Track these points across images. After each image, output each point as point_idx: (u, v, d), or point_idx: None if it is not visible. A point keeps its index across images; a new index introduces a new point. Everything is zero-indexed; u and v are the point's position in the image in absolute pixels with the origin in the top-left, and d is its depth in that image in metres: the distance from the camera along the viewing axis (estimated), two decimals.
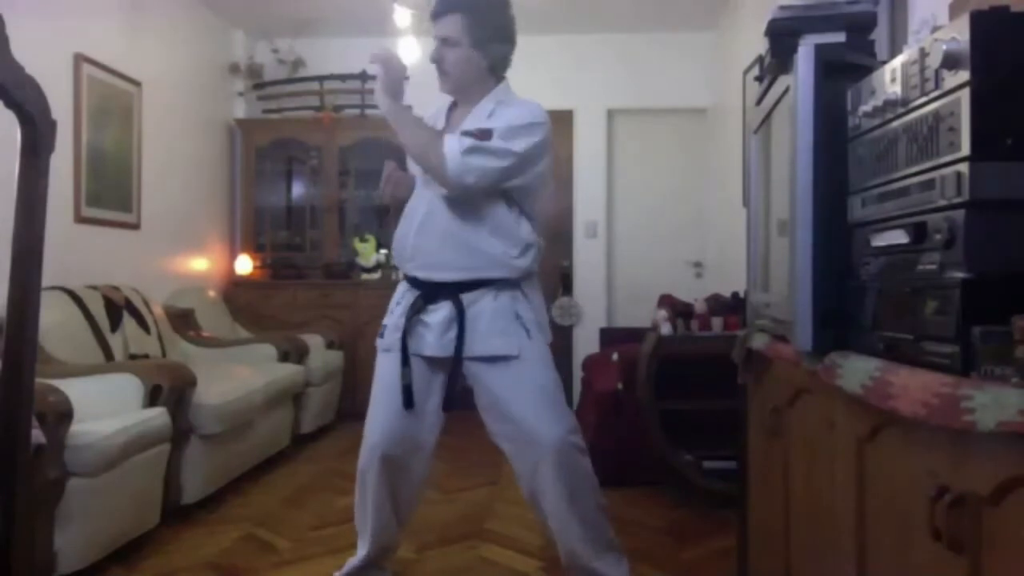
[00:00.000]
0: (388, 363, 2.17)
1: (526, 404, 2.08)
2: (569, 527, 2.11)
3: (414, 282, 2.15)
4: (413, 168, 2.18)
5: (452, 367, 2.11)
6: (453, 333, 2.07)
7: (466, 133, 2.02)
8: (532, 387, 2.09)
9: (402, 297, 2.18)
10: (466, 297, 2.07)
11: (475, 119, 2.09)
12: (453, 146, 1.98)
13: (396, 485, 2.20)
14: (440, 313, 2.09)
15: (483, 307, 2.08)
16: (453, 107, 2.22)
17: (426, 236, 2.09)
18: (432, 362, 2.15)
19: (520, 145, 2.02)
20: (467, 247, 2.07)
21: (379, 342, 2.20)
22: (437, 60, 2.11)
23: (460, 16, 2.05)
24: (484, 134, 2.01)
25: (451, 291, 2.07)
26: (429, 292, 2.11)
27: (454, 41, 2.07)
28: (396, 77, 2.06)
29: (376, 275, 5.35)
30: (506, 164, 2.01)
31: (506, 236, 2.08)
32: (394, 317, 2.16)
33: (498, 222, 2.07)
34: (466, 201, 2.06)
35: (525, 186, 2.08)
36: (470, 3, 2.07)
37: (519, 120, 2.06)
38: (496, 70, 2.17)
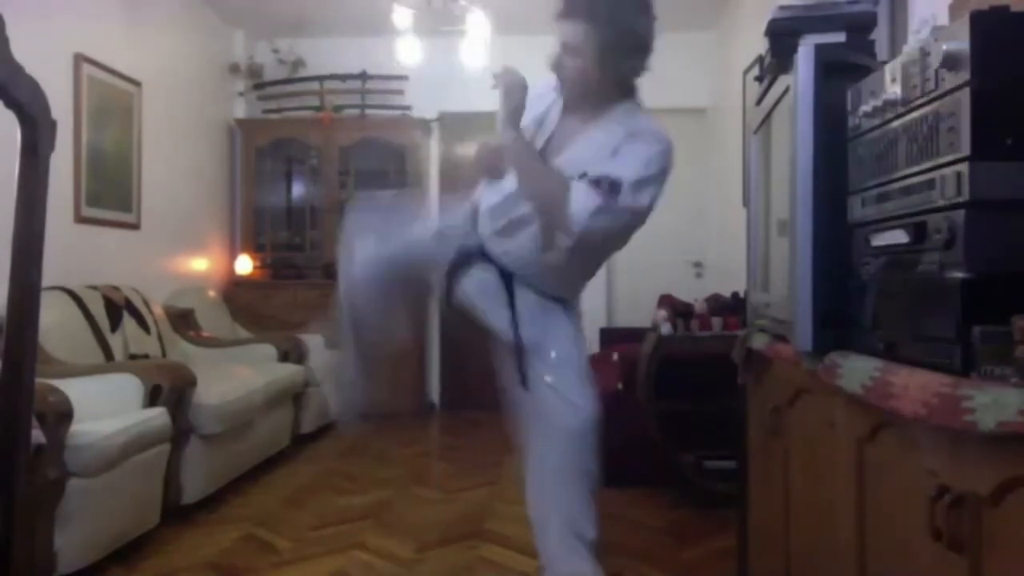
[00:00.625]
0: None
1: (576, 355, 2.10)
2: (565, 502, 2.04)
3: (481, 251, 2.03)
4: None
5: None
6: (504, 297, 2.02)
7: (593, 181, 1.80)
8: (579, 349, 2.14)
9: (470, 233, 2.05)
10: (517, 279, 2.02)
11: (596, 145, 1.88)
12: (581, 203, 1.79)
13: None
14: (492, 274, 2.02)
15: (530, 295, 2.04)
16: (567, 108, 1.98)
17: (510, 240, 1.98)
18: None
19: (647, 198, 1.86)
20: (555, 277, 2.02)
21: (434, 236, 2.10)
22: (556, 68, 1.87)
23: (583, 23, 1.81)
24: (614, 187, 1.80)
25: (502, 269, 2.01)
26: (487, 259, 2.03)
27: (575, 50, 1.83)
28: (518, 103, 1.87)
29: None
30: (632, 223, 1.92)
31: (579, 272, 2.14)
32: (457, 234, 2.05)
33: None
34: None
35: None
36: (597, 9, 1.83)
37: (651, 168, 1.86)
38: (624, 84, 1.96)
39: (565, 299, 2.12)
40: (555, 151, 1.93)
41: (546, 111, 1.99)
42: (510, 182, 1.93)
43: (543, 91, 1.99)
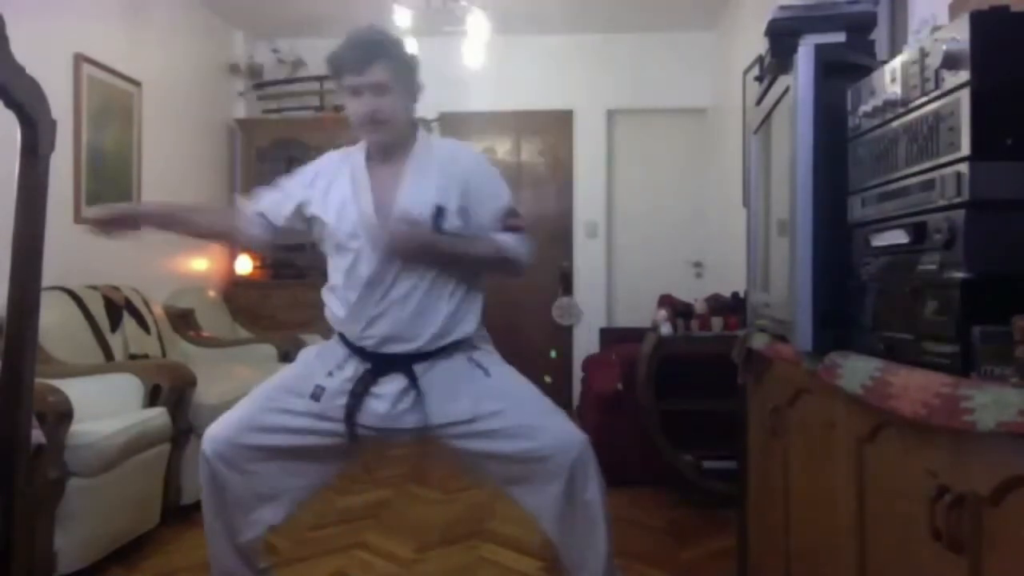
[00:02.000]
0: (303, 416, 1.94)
1: (535, 415, 1.95)
2: (601, 531, 1.96)
3: (360, 352, 1.94)
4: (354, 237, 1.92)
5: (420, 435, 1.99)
6: (406, 405, 1.91)
7: (507, 220, 1.95)
8: (528, 399, 1.98)
9: (344, 363, 1.95)
10: (418, 367, 1.92)
11: (426, 181, 1.92)
12: (514, 243, 1.95)
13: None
14: (393, 384, 1.92)
15: (436, 373, 1.93)
16: (378, 158, 1.98)
17: (395, 311, 1.90)
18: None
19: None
20: (439, 320, 1.92)
21: (308, 404, 1.93)
22: (371, 111, 1.88)
23: (387, 62, 1.90)
24: (515, 215, 1.98)
25: (404, 361, 1.92)
26: (380, 365, 1.93)
27: (384, 89, 1.89)
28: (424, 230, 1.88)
29: None
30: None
31: (473, 301, 2.00)
32: (336, 381, 1.93)
33: (468, 288, 1.98)
34: (450, 274, 1.94)
35: None
36: (394, 50, 1.94)
37: (501, 184, 2.01)
38: (414, 120, 2.02)
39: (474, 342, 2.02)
40: (387, 203, 1.91)
41: (360, 179, 1.96)
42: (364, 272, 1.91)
43: (333, 169, 2.00)
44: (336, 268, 1.97)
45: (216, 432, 1.94)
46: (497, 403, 1.92)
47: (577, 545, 1.96)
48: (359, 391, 1.91)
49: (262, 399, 1.97)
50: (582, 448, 1.92)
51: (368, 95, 1.89)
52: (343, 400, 1.91)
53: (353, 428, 1.92)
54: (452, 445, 1.97)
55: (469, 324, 1.97)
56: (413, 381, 1.91)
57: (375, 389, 1.92)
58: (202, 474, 1.94)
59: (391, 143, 1.96)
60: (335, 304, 1.98)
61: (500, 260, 1.96)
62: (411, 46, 2.06)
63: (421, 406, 1.91)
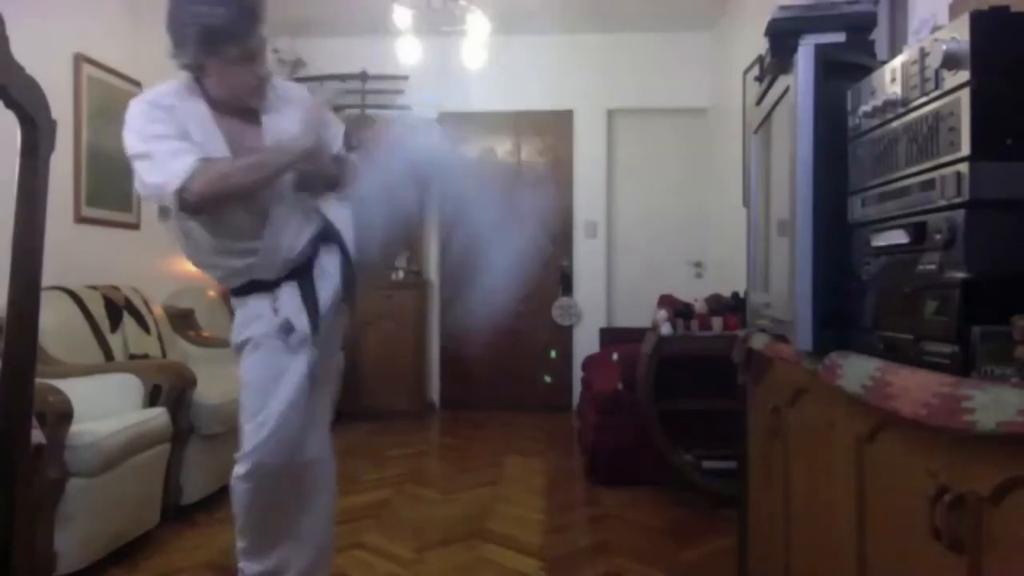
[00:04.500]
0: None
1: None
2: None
3: (274, 283, 1.95)
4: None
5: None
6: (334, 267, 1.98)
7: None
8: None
9: (275, 302, 1.95)
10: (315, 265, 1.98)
11: (282, 122, 1.94)
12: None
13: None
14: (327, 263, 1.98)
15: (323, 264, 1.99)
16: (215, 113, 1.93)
17: (282, 229, 1.92)
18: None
19: None
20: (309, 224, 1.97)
21: (293, 340, 1.93)
22: (263, 79, 1.90)
23: (262, 26, 1.90)
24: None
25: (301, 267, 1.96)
26: (294, 273, 1.96)
27: (262, 52, 1.91)
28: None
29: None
30: None
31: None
32: (286, 310, 1.93)
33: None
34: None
35: None
36: (262, 6, 1.91)
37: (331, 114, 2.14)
38: None
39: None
40: (253, 139, 1.90)
41: (192, 124, 1.89)
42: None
43: (173, 105, 1.93)
44: (217, 226, 1.87)
45: (253, 457, 1.94)
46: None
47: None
48: (307, 296, 1.94)
49: (261, 394, 1.95)
50: None
51: (258, 62, 1.85)
52: (305, 314, 1.92)
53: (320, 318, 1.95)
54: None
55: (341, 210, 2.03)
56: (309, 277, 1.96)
57: (316, 282, 1.96)
58: (245, 499, 1.98)
59: (259, 105, 1.92)
60: (236, 260, 1.93)
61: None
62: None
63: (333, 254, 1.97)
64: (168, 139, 1.78)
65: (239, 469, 1.93)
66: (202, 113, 1.88)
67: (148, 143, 1.79)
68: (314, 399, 1.99)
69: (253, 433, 1.92)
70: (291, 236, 1.93)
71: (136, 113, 1.85)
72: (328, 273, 1.99)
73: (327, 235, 2.00)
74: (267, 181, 1.84)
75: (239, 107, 1.91)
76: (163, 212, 1.90)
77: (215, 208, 1.80)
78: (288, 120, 1.91)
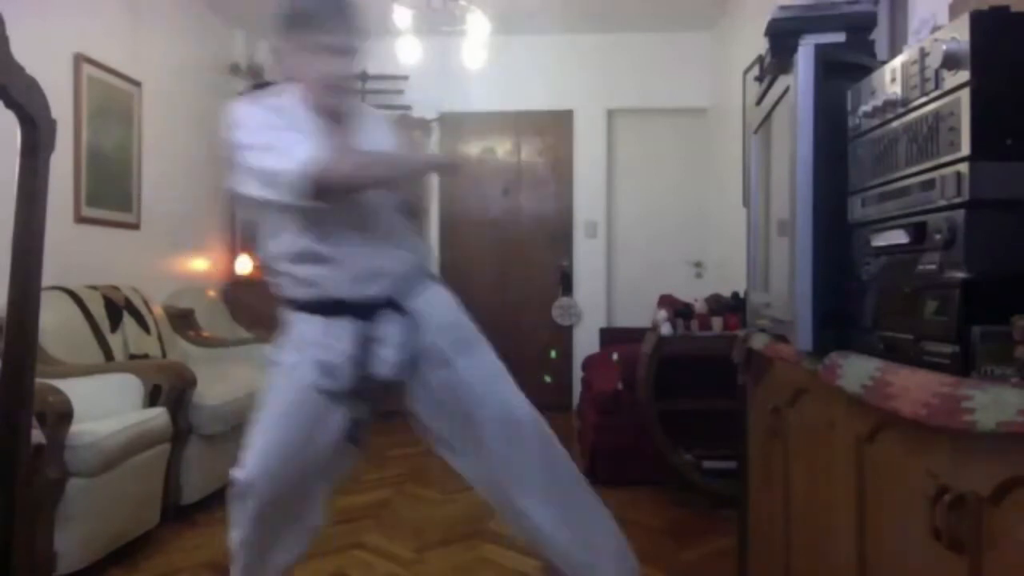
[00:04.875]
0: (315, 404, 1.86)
1: (499, 386, 1.93)
2: (569, 516, 1.93)
3: (338, 308, 1.86)
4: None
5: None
6: (412, 335, 1.86)
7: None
8: (497, 368, 1.96)
9: (328, 331, 1.85)
10: (402, 299, 1.89)
11: (370, 138, 1.94)
12: None
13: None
14: (391, 325, 1.86)
15: (419, 299, 1.90)
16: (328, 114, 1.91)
17: (376, 243, 1.87)
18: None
19: None
20: (408, 245, 1.93)
21: (329, 386, 1.84)
22: (345, 74, 1.86)
23: (359, 25, 1.86)
24: None
25: (385, 302, 1.87)
26: (366, 312, 1.86)
27: (353, 50, 1.86)
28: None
29: None
30: None
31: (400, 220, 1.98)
32: (336, 351, 1.84)
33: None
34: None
35: None
36: (361, 14, 1.89)
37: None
38: None
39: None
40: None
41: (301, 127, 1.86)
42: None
43: (280, 105, 1.88)
44: (288, 229, 1.83)
45: (251, 476, 1.84)
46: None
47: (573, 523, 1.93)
48: (364, 344, 1.84)
49: (283, 425, 1.86)
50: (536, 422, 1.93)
51: (339, 56, 1.81)
52: (354, 364, 1.83)
53: (374, 384, 1.85)
54: (448, 374, 1.90)
55: (428, 253, 2.01)
56: (402, 312, 1.86)
57: (377, 334, 1.85)
58: (242, 516, 1.87)
59: (343, 107, 1.91)
60: (307, 269, 1.85)
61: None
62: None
63: (419, 332, 1.87)
64: (288, 130, 1.77)
65: (233, 480, 1.89)
66: (303, 115, 1.85)
67: (266, 134, 1.76)
68: (476, 365, 1.93)
69: (249, 455, 1.87)
70: (373, 257, 1.87)
71: (247, 111, 1.84)
72: (392, 335, 1.87)
73: (408, 288, 1.90)
74: (399, 178, 1.91)
75: (326, 111, 1.88)
76: (251, 206, 1.83)
77: (339, 194, 1.77)
78: (374, 138, 1.92)
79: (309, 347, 1.86)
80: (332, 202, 1.74)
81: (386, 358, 1.85)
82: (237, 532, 1.90)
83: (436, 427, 1.96)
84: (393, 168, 1.90)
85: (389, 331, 1.85)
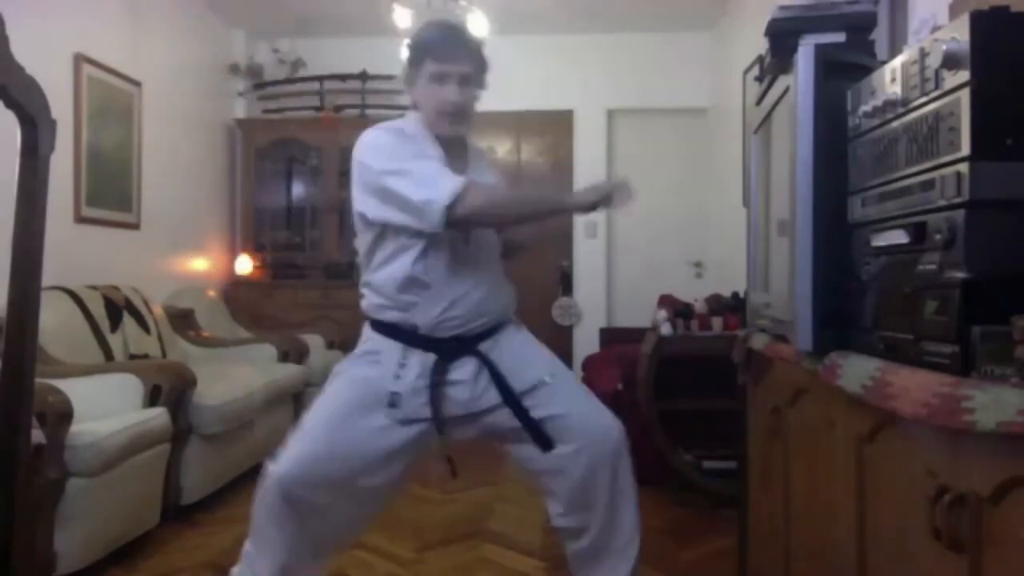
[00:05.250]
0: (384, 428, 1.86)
1: (584, 405, 1.99)
2: (628, 518, 1.97)
3: (420, 340, 1.86)
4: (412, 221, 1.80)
5: (516, 414, 1.89)
6: (485, 381, 1.87)
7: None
8: (578, 389, 2.04)
9: (406, 360, 1.86)
10: (484, 345, 1.89)
11: (482, 174, 1.95)
12: None
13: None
14: (467, 367, 1.87)
15: (501, 345, 1.92)
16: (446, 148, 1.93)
17: (476, 289, 1.87)
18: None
19: None
20: (505, 294, 1.96)
21: (389, 414, 1.84)
22: (462, 101, 1.85)
23: (477, 55, 1.88)
24: None
25: (469, 342, 1.88)
26: (448, 351, 1.86)
27: (471, 80, 1.87)
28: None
29: None
30: None
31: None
32: (407, 381, 1.84)
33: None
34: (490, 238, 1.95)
35: None
36: (481, 46, 1.91)
37: None
38: None
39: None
40: None
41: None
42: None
43: (408, 132, 1.91)
44: (402, 255, 1.84)
45: (287, 471, 1.83)
46: (556, 364, 2.00)
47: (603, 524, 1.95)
48: (436, 382, 1.84)
49: (332, 428, 1.85)
50: (623, 439, 1.99)
51: (455, 85, 1.84)
52: (424, 397, 1.83)
53: (442, 422, 1.86)
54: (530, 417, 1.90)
55: (513, 295, 2.02)
56: (482, 359, 1.87)
57: (450, 376, 1.86)
58: (270, 512, 1.86)
59: (461, 136, 1.93)
60: (401, 294, 1.85)
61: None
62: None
63: (496, 381, 1.87)
64: (427, 159, 1.81)
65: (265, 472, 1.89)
66: (428, 143, 1.88)
67: (404, 162, 1.79)
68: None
69: (287, 454, 1.87)
70: (472, 294, 1.86)
71: (380, 137, 1.87)
72: (464, 377, 1.87)
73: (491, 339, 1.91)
74: (538, 216, 2.00)
75: (444, 140, 1.89)
76: (375, 229, 1.86)
77: (476, 226, 1.85)
78: (479, 172, 1.94)
79: (380, 368, 1.87)
80: (463, 232, 1.84)
81: (457, 398, 1.87)
82: (255, 531, 1.89)
83: (522, 457, 1.98)
84: (534, 206, 1.96)
85: (462, 373, 1.87)
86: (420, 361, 1.85)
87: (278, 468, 1.84)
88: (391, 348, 1.87)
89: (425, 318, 1.85)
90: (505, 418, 1.89)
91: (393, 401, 1.84)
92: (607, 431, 1.94)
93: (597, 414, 1.97)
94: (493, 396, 1.88)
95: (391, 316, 1.88)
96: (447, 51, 1.84)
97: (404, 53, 1.91)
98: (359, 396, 1.86)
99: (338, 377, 1.92)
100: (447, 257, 1.84)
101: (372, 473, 1.86)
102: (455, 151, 1.91)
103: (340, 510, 1.90)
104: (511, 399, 1.87)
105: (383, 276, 1.88)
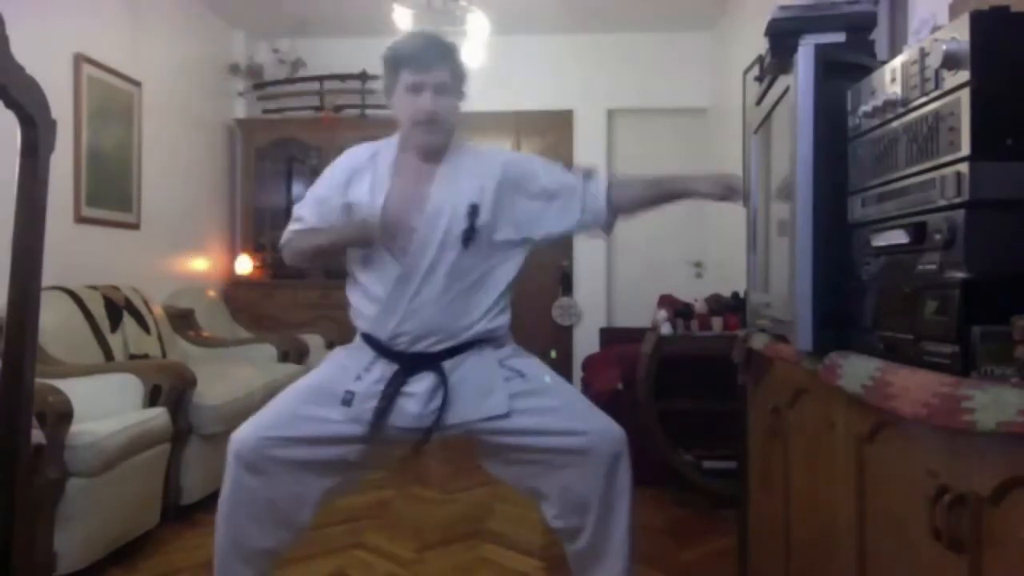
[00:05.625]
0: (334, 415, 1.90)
1: (576, 412, 1.96)
2: (623, 519, 1.97)
3: (385, 350, 1.91)
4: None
5: (423, 437, 1.92)
6: (437, 403, 1.87)
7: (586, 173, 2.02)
8: (566, 397, 1.99)
9: (372, 365, 1.91)
10: (448, 364, 1.89)
11: (457, 176, 1.92)
12: (594, 187, 2.02)
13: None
14: (424, 383, 1.88)
15: (467, 369, 1.90)
16: (400, 160, 1.96)
17: (430, 307, 1.87)
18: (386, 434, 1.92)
19: None
20: (475, 315, 1.90)
21: (340, 411, 1.88)
22: (433, 110, 1.87)
23: (451, 64, 1.90)
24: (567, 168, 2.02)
25: (434, 359, 1.89)
26: (410, 364, 1.89)
27: (447, 89, 1.90)
28: None
29: None
30: None
31: (508, 295, 1.97)
32: (365, 384, 1.88)
33: (495, 270, 1.95)
34: (474, 249, 1.89)
35: None
36: (456, 54, 1.94)
37: (532, 158, 2.11)
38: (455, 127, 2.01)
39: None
40: (417, 201, 1.89)
41: (382, 180, 1.94)
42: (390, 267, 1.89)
43: (365, 165, 1.97)
44: (364, 265, 1.93)
45: (243, 435, 1.88)
46: (533, 400, 1.91)
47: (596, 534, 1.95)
48: (390, 392, 1.87)
49: (292, 405, 1.91)
50: (622, 443, 1.95)
51: (429, 94, 1.87)
52: (373, 403, 1.87)
53: (380, 431, 1.88)
54: (490, 441, 1.93)
55: (503, 319, 1.96)
56: (443, 379, 1.88)
57: (406, 389, 1.88)
58: (226, 476, 1.90)
59: (439, 146, 1.94)
60: (363, 303, 1.94)
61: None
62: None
63: (452, 404, 1.88)
64: (325, 202, 1.97)
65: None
66: (388, 162, 1.96)
67: (315, 192, 2.01)
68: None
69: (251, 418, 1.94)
70: (420, 314, 1.87)
71: (339, 160, 2.03)
72: (420, 393, 1.88)
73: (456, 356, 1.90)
74: (320, 251, 2.00)
75: (421, 149, 1.94)
76: None
77: (301, 265, 2.09)
78: (462, 174, 1.93)
79: (350, 366, 1.93)
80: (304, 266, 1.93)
81: (406, 410, 1.88)
82: (221, 502, 1.92)
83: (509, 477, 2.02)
84: (312, 238, 1.97)
85: (417, 387, 1.88)
86: (382, 369, 1.90)
87: (238, 432, 1.90)
88: (364, 352, 1.94)
89: (382, 331, 1.90)
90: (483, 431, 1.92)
91: (347, 399, 1.89)
92: (606, 439, 1.95)
93: (595, 421, 1.98)
94: (447, 416, 1.89)
95: (361, 324, 1.96)
96: (422, 61, 1.87)
97: (382, 66, 1.93)
98: (326, 383, 1.93)
99: (322, 363, 2.03)
100: (394, 272, 1.88)
101: (321, 454, 1.90)
102: (431, 160, 1.94)
103: (287, 488, 1.90)
104: (433, 425, 1.88)
105: (350, 284, 1.99)
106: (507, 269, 1.95)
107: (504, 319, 1.97)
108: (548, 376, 2.00)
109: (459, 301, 1.89)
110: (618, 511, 1.94)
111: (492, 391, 1.90)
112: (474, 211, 1.88)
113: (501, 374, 1.92)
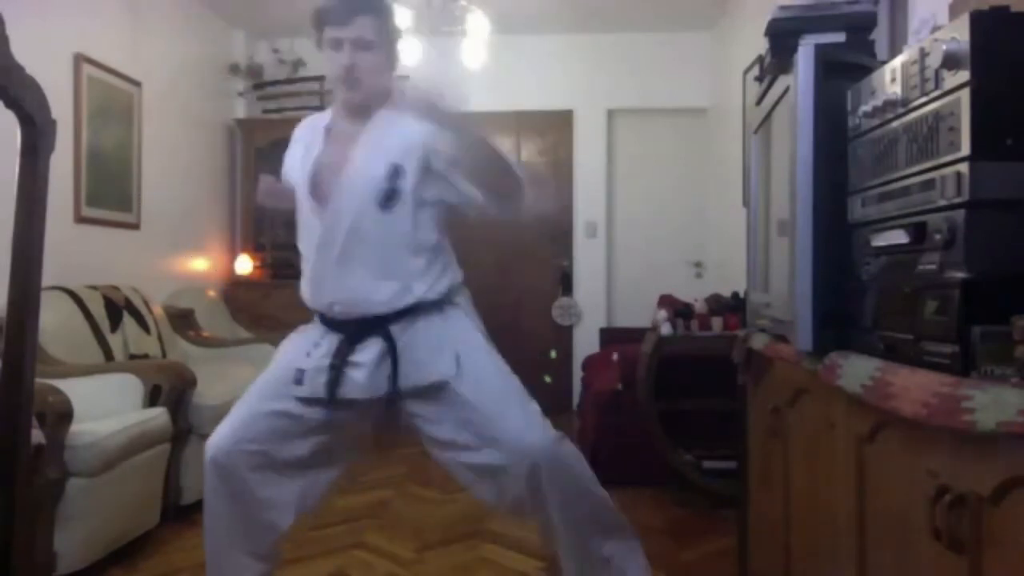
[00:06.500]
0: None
1: (498, 413, 1.83)
2: (572, 531, 1.87)
3: (331, 323, 1.88)
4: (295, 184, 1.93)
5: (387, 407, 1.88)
6: (387, 370, 1.83)
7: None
8: (494, 394, 1.87)
9: (321, 340, 1.88)
10: (395, 328, 1.84)
11: (383, 137, 1.85)
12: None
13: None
14: (371, 351, 1.83)
15: (415, 333, 1.85)
16: (346, 116, 1.92)
17: (353, 271, 1.82)
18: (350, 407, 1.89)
19: None
20: (404, 277, 1.84)
21: (295, 390, 1.86)
22: (350, 66, 1.80)
23: (373, 18, 1.82)
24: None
25: (378, 324, 1.84)
26: (354, 332, 1.85)
27: (368, 44, 1.81)
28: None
29: None
30: None
31: (441, 256, 1.92)
32: (314, 360, 1.85)
33: (421, 231, 1.87)
34: (397, 211, 1.82)
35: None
36: (381, 7, 1.86)
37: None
38: (389, 88, 1.91)
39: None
40: (340, 163, 1.85)
41: (316, 142, 1.93)
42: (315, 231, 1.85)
43: (310, 136, 1.97)
44: (300, 235, 1.93)
45: (215, 442, 1.86)
46: (455, 410, 1.85)
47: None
48: (337, 364, 1.83)
49: (253, 404, 1.90)
50: (537, 455, 1.79)
51: (349, 49, 1.81)
52: (325, 377, 1.83)
53: (340, 408, 1.85)
54: (426, 414, 1.87)
55: (444, 283, 1.90)
56: (390, 344, 1.83)
57: (353, 358, 1.83)
58: (206, 483, 1.88)
59: (363, 104, 1.87)
60: (304, 275, 1.91)
61: (503, 168, 1.83)
62: (397, 13, 2.00)
63: (400, 369, 1.83)
64: (290, 152, 2.02)
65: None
66: (325, 122, 1.96)
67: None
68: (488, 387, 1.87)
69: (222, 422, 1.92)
70: (343, 281, 1.83)
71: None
72: (367, 361, 1.83)
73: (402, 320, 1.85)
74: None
75: (343, 107, 1.92)
76: None
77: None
78: (389, 134, 1.86)
79: (300, 344, 1.92)
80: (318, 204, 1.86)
81: (355, 380, 1.83)
82: (206, 513, 1.89)
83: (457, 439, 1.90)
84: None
85: (365, 356, 1.83)
86: (329, 342, 1.87)
87: (210, 438, 1.88)
88: (315, 327, 1.92)
89: (318, 301, 1.89)
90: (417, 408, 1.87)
91: (297, 377, 1.86)
92: (526, 449, 1.80)
93: (518, 428, 1.83)
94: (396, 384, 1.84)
95: (304, 297, 1.93)
96: (339, 16, 1.81)
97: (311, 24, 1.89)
98: (280, 370, 1.92)
99: (279, 347, 2.02)
100: (317, 234, 1.85)
101: (290, 446, 1.88)
102: (359, 121, 1.89)
103: (267, 489, 1.88)
104: (389, 396, 1.84)
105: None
106: (430, 230, 1.88)
107: (445, 283, 1.91)
108: (477, 375, 1.87)
109: (389, 265, 1.83)
110: (563, 527, 1.85)
111: (441, 354, 1.84)
112: (395, 172, 1.81)
113: (447, 334, 1.87)
